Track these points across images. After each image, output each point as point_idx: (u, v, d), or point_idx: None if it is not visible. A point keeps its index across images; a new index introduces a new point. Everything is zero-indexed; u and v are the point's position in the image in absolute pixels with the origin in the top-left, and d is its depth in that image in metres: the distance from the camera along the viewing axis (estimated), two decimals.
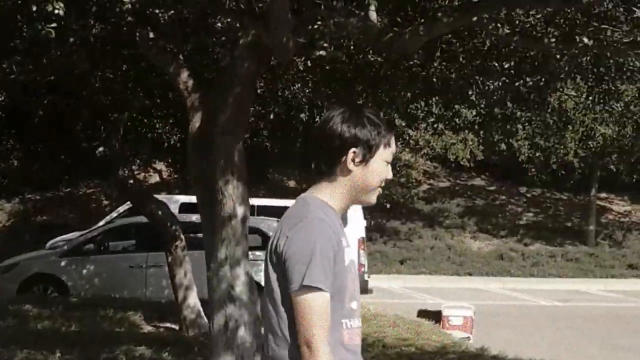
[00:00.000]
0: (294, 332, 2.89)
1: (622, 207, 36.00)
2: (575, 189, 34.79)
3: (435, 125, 12.36)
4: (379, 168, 3.02)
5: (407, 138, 12.75)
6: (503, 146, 29.24)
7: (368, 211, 20.96)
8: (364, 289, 19.00)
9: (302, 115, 11.23)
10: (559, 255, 30.41)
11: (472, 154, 31.14)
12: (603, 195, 35.18)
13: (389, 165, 3.07)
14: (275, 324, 2.95)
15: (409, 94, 10.05)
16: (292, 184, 29.73)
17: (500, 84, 9.89)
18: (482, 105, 10.43)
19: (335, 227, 2.97)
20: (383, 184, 3.08)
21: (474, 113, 10.79)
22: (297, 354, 2.87)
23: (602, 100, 10.58)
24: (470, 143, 30.39)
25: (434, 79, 9.56)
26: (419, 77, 9.57)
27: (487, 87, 9.95)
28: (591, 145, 29.27)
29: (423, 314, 14.61)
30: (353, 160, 3.00)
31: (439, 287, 24.05)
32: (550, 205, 35.65)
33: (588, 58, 9.18)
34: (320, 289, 2.84)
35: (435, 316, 14.28)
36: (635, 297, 24.02)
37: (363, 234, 19.49)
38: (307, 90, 10.80)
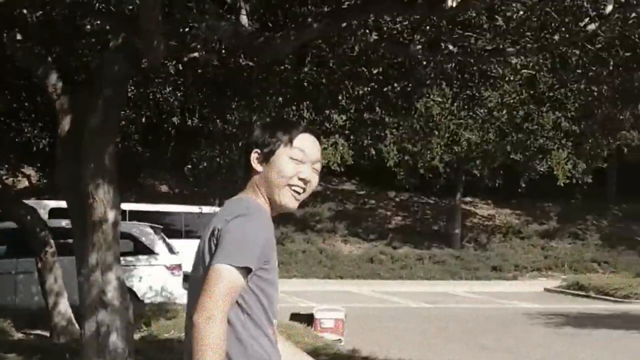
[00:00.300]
0: None
1: (486, 210, 36.99)
2: (441, 193, 35.57)
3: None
4: (282, 165, 3.12)
5: None
6: (372, 151, 29.64)
7: None
8: None
9: (174, 119, 11.16)
10: (427, 258, 31.07)
11: (342, 159, 31.41)
12: (468, 199, 36.10)
13: (304, 164, 3.14)
14: None
15: (280, 99, 10.10)
16: (164, 188, 29.47)
17: (369, 89, 10.05)
18: (352, 110, 10.57)
19: (271, 226, 3.07)
20: (299, 184, 3.15)
21: (344, 118, 10.94)
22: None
23: (466, 106, 10.87)
24: (341, 148, 30.67)
25: (305, 84, 9.65)
26: (290, 82, 9.65)
27: (356, 92, 10.10)
28: (456, 150, 29.95)
29: (295, 317, 14.71)
30: (257, 160, 3.14)
31: (311, 291, 24.24)
32: (417, 209, 36.36)
33: (453, 65, 9.42)
34: (242, 269, 2.89)
35: (307, 319, 14.40)
36: (498, 299, 24.73)
37: None
38: (179, 94, 10.76)
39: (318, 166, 3.19)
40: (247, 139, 3.30)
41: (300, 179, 3.12)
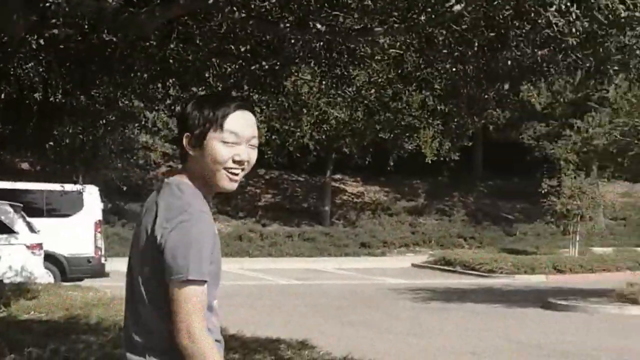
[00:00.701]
0: (165, 322, 2.88)
1: (356, 188, 37.43)
2: (311, 171, 35.80)
3: (172, 107, 12.30)
4: (215, 150, 3.00)
5: (145, 120, 12.58)
6: None
7: (105, 194, 20.60)
8: (101, 272, 18.76)
9: (36, 95, 10.84)
10: (296, 235, 31.28)
11: None
12: (338, 176, 36.45)
13: (239, 145, 3.02)
14: (149, 312, 2.97)
15: (145, 75, 9.91)
16: (25, 166, 28.72)
17: (237, 66, 9.95)
18: (219, 88, 10.45)
19: (211, 216, 3.01)
20: (235, 167, 3.04)
21: None
22: (166, 344, 2.88)
23: (335, 85, 10.87)
24: None
25: (171, 61, 9.48)
26: (155, 59, 9.46)
27: (223, 70, 9.99)
28: (325, 129, 30.14)
29: None
30: (190, 144, 3.03)
31: None
32: (287, 186, 36.50)
33: (321, 44, 9.40)
34: (201, 282, 2.87)
35: None
36: (367, 274, 25.10)
37: (100, 217, 19.19)
38: (41, 70, 10.44)
39: (255, 142, 3.08)
40: (178, 122, 3.16)
41: (235, 161, 3.03)
